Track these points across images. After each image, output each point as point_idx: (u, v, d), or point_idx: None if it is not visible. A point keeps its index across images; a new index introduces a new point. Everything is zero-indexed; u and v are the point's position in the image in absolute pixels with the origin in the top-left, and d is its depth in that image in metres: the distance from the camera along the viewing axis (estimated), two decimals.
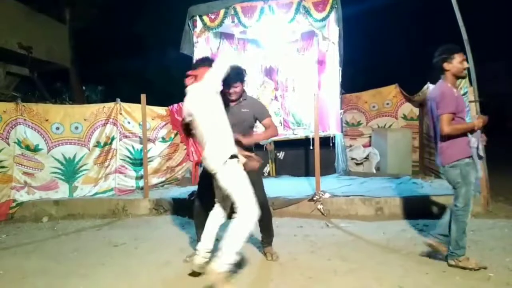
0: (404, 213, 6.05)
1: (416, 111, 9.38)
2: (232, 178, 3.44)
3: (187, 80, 3.70)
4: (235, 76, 3.96)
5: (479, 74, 6.21)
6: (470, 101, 6.22)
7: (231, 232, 3.34)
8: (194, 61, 3.79)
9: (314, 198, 6.26)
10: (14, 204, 6.71)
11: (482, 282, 3.57)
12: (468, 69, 6.12)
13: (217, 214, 3.79)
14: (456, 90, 3.91)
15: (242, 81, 4.07)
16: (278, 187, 7.06)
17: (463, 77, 4.11)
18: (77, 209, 6.79)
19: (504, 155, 9.57)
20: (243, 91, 4.16)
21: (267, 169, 8.69)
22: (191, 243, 4.90)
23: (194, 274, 3.72)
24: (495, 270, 3.80)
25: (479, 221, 5.62)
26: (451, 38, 7.32)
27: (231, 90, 4.00)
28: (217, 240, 3.79)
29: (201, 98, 3.51)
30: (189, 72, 3.71)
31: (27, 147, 6.89)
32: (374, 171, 8.94)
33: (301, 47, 9.81)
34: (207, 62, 3.76)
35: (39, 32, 12.81)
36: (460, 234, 3.80)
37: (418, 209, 6.07)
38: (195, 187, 7.29)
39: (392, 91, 9.79)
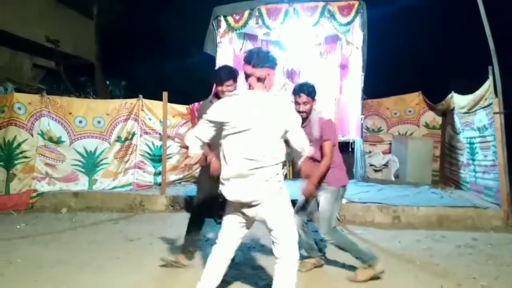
0: (421, 223, 5.98)
1: (438, 120, 9.24)
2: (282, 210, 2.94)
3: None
4: (227, 74, 3.99)
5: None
6: (495, 113, 6.10)
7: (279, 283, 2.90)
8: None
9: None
10: (34, 194, 6.85)
11: None
12: (494, 79, 6.09)
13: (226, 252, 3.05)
14: None
15: (235, 80, 4.03)
16: (295, 190, 7.02)
17: None
18: (95, 202, 6.90)
19: None
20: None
21: (284, 171, 8.66)
22: (206, 242, 4.93)
23: None
24: None
25: (498, 235, 5.51)
26: (478, 47, 7.25)
27: (224, 88, 3.96)
28: None
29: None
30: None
31: (50, 139, 7.02)
32: (393, 179, 8.83)
33: (324, 50, 9.74)
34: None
35: (66, 26, 13.03)
36: None
37: (436, 220, 6.00)
38: None
39: (415, 99, 9.65)
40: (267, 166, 2.81)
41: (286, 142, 2.97)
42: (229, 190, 2.85)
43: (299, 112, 3.85)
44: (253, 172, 2.78)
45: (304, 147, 3.01)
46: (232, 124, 2.80)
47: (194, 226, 4.19)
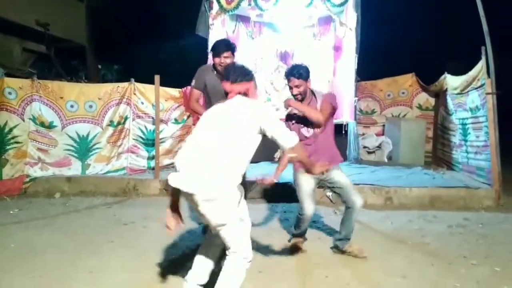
0: (413, 203, 6.04)
1: (432, 101, 9.26)
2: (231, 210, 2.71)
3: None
4: (225, 46, 4.02)
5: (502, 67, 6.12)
6: (487, 93, 6.12)
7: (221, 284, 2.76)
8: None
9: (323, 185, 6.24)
10: (27, 179, 6.82)
11: (488, 276, 3.56)
12: (487, 60, 6.09)
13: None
14: None
15: (233, 52, 4.07)
16: (288, 172, 7.04)
17: None
18: (89, 187, 6.89)
19: None
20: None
21: (278, 154, 8.68)
22: (199, 226, 4.95)
23: None
24: (502, 264, 3.77)
25: (489, 214, 5.58)
26: (472, 29, 7.22)
27: (222, 60, 4.00)
28: None
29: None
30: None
31: (42, 124, 6.97)
32: (386, 160, 8.88)
33: (317, 32, 9.66)
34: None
35: (57, 10, 12.81)
36: None
37: (428, 200, 6.06)
38: None
39: (408, 80, 9.65)
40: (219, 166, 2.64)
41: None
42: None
43: (294, 95, 3.87)
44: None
45: (287, 140, 2.82)
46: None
47: None
